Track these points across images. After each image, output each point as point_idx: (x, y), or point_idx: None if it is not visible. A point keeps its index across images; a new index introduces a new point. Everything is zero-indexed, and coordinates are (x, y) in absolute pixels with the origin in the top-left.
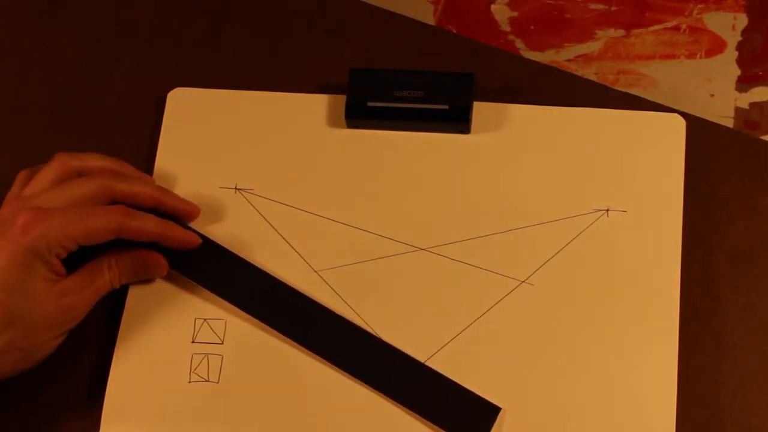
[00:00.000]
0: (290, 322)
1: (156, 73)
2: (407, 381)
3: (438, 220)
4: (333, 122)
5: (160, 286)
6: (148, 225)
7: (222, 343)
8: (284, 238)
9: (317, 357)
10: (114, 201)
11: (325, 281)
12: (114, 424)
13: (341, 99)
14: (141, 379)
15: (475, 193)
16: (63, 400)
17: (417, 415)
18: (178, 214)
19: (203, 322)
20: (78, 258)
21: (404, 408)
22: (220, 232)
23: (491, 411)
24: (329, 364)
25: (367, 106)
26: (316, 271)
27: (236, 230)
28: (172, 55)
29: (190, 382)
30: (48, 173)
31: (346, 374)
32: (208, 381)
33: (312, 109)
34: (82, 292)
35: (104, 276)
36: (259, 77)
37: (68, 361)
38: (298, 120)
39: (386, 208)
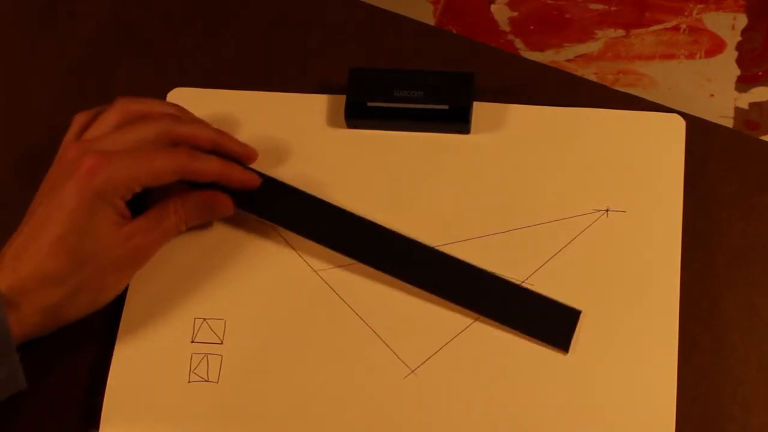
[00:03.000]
0: (362, 250)
1: (156, 73)
2: (490, 295)
3: (438, 220)
4: (333, 122)
5: (160, 286)
6: (211, 165)
7: (222, 343)
8: (284, 238)
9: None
10: (174, 145)
11: (325, 281)
12: (114, 424)
13: (341, 99)
14: (141, 379)
15: (474, 193)
16: (63, 399)
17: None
18: (236, 156)
19: (203, 322)
20: (139, 202)
21: (493, 322)
22: (219, 232)
23: (573, 315)
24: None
25: (367, 106)
26: (316, 271)
27: (236, 230)
28: (172, 55)
29: (189, 381)
30: (110, 117)
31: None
32: (207, 381)
33: (312, 109)
34: (150, 235)
35: (170, 218)
36: (259, 77)
37: (68, 359)
38: (298, 120)
39: (386, 209)
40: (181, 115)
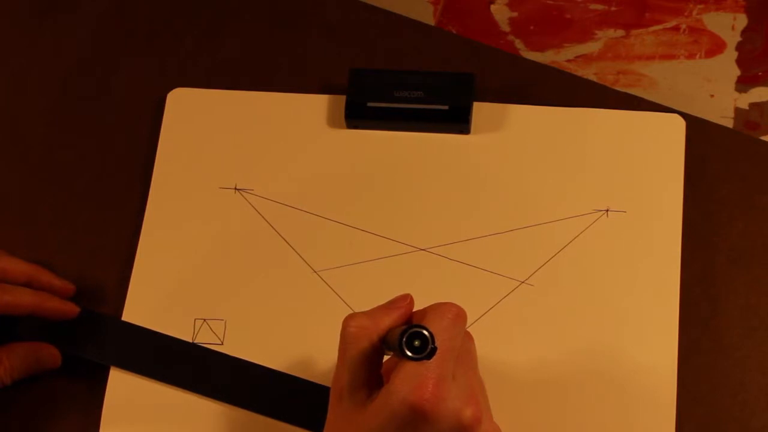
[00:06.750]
0: (193, 377)
1: (156, 73)
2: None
3: (438, 220)
4: (333, 122)
5: (160, 286)
6: (22, 297)
7: (222, 344)
8: (284, 239)
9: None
10: None
11: (324, 281)
12: (114, 424)
13: (341, 99)
14: (141, 379)
15: (475, 193)
16: (63, 400)
17: None
18: (53, 291)
19: (203, 323)
20: None
21: None
22: (219, 233)
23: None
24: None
25: (367, 106)
26: (316, 272)
27: (236, 230)
28: (172, 55)
29: None
30: None
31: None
32: None
33: (312, 109)
34: None
35: None
36: (259, 77)
37: (68, 361)
38: (298, 120)
39: (386, 208)
40: None
